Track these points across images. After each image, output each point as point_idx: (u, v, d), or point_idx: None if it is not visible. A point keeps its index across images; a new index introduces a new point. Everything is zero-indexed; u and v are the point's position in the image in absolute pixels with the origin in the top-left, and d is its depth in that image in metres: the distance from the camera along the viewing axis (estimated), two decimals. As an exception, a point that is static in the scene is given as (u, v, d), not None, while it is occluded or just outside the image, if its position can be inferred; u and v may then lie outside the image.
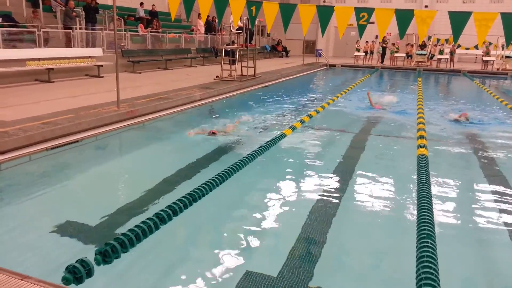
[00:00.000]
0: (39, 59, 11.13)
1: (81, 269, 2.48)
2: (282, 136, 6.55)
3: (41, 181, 5.00)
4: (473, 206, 4.51)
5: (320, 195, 4.65)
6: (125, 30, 15.59)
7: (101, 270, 2.64)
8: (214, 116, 8.97)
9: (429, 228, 3.23)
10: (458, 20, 7.92)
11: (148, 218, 3.16)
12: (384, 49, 24.43)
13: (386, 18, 8.20)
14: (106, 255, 2.66)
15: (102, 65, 12.91)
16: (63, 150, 5.88)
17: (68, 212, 3.97)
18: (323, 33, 9.51)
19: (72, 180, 5.11)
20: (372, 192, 4.79)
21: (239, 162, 4.75)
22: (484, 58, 22.47)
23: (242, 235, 3.67)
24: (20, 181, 4.93)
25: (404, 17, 8.21)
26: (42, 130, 5.92)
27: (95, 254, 2.70)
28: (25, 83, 10.71)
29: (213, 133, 6.88)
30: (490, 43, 22.18)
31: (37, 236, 3.63)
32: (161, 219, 3.23)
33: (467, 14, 7.87)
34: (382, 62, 24.41)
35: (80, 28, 13.77)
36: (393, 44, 24.34)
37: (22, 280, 2.31)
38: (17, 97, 8.59)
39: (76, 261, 2.55)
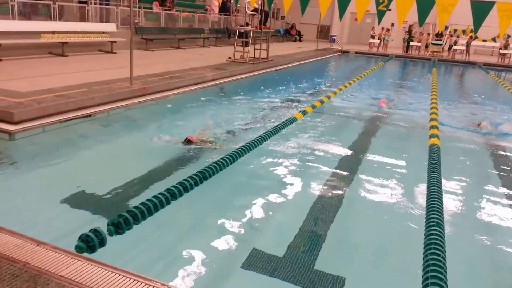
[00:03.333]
0: (53, 32, 11.15)
1: (94, 238, 2.54)
2: (292, 120, 6.54)
3: (55, 152, 5.06)
4: (484, 196, 4.48)
5: (329, 180, 4.66)
6: (139, 7, 15.48)
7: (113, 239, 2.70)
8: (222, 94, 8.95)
9: (438, 217, 3.24)
10: (480, 10, 7.71)
11: (159, 193, 3.21)
12: (407, 39, 23.71)
13: (407, 4, 8.03)
14: (118, 226, 2.72)
15: (115, 41, 12.89)
16: (76, 123, 5.94)
17: (80, 184, 4.02)
18: (341, 17, 9.39)
19: (85, 153, 5.17)
20: (382, 178, 4.77)
21: (249, 144, 4.78)
22: (502, 51, 21.96)
23: (250, 215, 3.70)
24: (33, 152, 5.00)
25: (424, 4, 8.02)
26: (56, 102, 5.97)
27: (108, 225, 2.76)
28: (39, 56, 10.75)
29: (189, 141, 5.35)
30: (509, 36, 21.63)
31: (50, 205, 3.69)
32: (172, 194, 3.29)
33: (490, 4, 7.66)
34: (407, 52, 23.76)
35: (95, 3, 13.70)
36: (411, 31, 23.68)
37: (37, 245, 2.37)
38: (31, 69, 8.65)
39: (90, 231, 2.61)
